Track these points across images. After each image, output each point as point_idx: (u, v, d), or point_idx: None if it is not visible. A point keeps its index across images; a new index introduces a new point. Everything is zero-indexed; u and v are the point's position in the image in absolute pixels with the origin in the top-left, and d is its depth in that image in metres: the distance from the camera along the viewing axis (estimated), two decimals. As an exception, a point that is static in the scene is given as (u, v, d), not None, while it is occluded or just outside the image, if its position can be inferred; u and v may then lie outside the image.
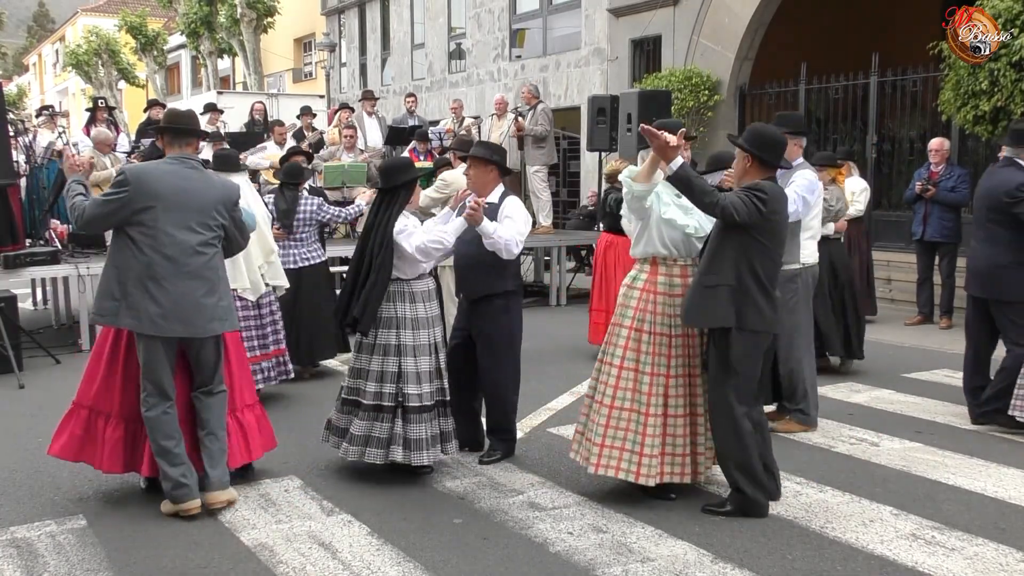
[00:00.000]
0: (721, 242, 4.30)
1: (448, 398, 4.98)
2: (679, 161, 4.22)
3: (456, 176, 7.54)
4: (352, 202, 10.59)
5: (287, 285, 6.66)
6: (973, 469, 5.07)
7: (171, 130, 4.45)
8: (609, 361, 4.58)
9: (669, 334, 4.50)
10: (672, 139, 4.22)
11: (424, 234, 4.82)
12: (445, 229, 4.86)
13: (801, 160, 5.51)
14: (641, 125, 4.43)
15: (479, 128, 13.14)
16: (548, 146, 11.80)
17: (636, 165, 4.74)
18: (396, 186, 4.87)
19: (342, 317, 4.93)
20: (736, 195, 4.24)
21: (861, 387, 6.95)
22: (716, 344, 4.38)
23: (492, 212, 4.95)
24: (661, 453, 4.47)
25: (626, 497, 4.65)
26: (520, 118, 11.58)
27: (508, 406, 5.25)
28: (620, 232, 8.17)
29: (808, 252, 5.51)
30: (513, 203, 5.05)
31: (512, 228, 4.91)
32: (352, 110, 13.22)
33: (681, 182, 4.22)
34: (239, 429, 4.71)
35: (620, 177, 4.72)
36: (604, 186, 8.77)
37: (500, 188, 5.10)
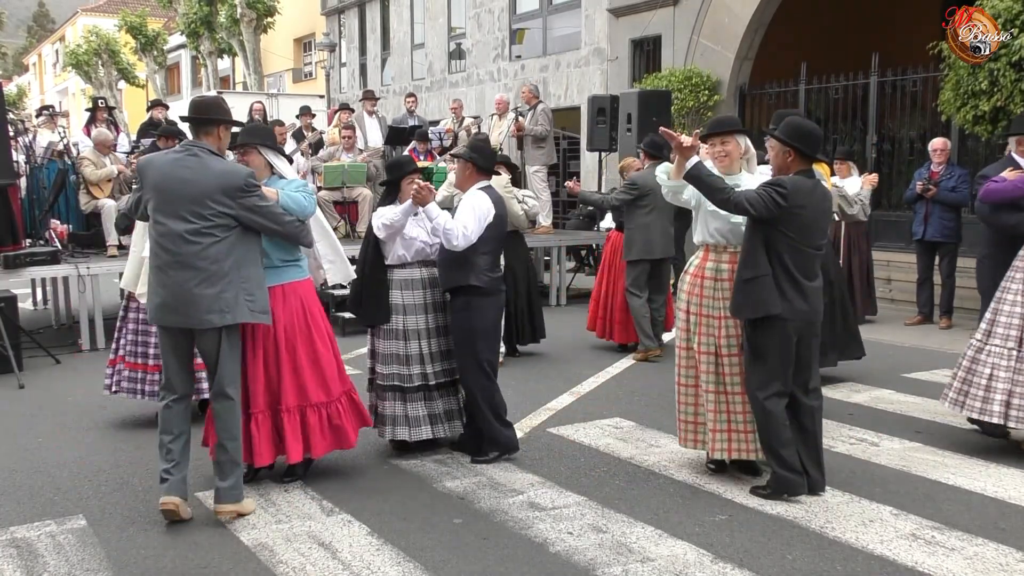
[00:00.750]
0: (751, 237, 4.50)
1: (450, 379, 5.30)
2: (694, 160, 4.50)
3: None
4: (354, 202, 10.64)
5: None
6: (973, 469, 5.07)
7: (191, 120, 4.44)
8: (677, 344, 4.96)
9: (718, 316, 4.73)
10: (687, 140, 4.50)
11: (386, 213, 5.07)
12: (396, 209, 5.02)
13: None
14: (661, 128, 4.83)
15: (479, 128, 13.13)
16: (548, 146, 11.80)
17: (635, 159, 4.95)
18: (390, 181, 5.28)
19: (355, 310, 5.33)
20: (754, 190, 4.42)
21: (861, 387, 6.95)
22: (746, 333, 4.63)
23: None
24: (727, 430, 4.78)
25: (626, 497, 4.65)
26: (520, 118, 11.59)
27: (476, 405, 5.19)
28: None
29: None
30: (475, 198, 5.09)
31: (459, 220, 4.96)
32: (352, 111, 13.22)
33: (695, 180, 4.51)
34: (291, 428, 4.66)
35: (656, 173, 5.05)
36: (607, 186, 8.83)
37: (481, 184, 5.22)
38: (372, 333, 5.29)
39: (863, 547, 4.05)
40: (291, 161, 6.38)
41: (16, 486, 4.91)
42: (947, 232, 9.08)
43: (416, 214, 5.01)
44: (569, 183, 8.55)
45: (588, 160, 15.17)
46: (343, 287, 9.59)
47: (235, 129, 4.67)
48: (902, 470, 5.06)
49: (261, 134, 4.82)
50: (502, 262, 5.69)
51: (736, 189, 4.48)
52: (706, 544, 4.08)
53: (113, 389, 6.01)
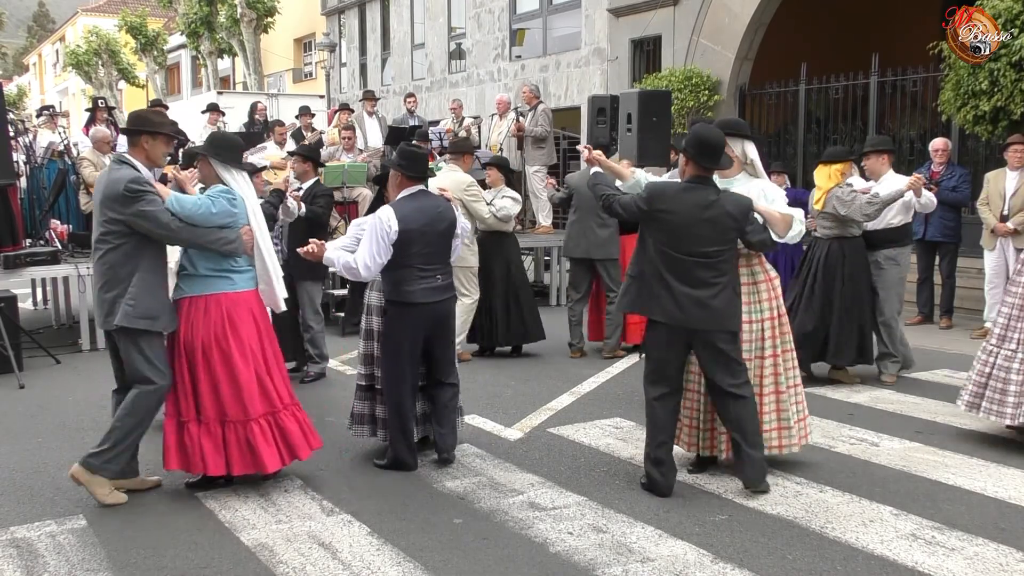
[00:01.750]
0: (639, 238, 4.72)
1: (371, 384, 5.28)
2: (595, 169, 5.10)
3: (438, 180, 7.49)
4: (354, 202, 10.63)
5: None
6: (973, 469, 5.07)
7: (124, 132, 4.75)
8: None
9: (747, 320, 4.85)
10: (586, 155, 5.14)
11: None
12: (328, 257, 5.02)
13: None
14: (581, 145, 5.30)
15: (479, 128, 13.13)
16: (548, 146, 11.79)
17: (634, 163, 5.06)
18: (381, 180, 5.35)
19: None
20: (627, 195, 4.77)
21: (861, 387, 6.95)
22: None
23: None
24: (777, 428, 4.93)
25: (626, 497, 4.66)
26: (520, 118, 11.58)
27: (390, 418, 5.09)
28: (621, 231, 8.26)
29: None
30: (373, 219, 4.91)
31: (359, 250, 4.89)
32: (351, 111, 13.22)
33: (591, 187, 5.02)
34: (211, 440, 4.59)
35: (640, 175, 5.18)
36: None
37: (405, 193, 5.05)
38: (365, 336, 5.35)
39: (863, 547, 4.05)
40: (255, 173, 6.18)
41: (16, 486, 4.91)
42: (947, 232, 9.08)
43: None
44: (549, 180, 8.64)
45: (588, 160, 15.17)
46: (344, 286, 9.62)
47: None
48: (902, 470, 5.06)
49: (218, 146, 4.75)
50: (452, 268, 5.41)
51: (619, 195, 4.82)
52: (706, 544, 4.08)
53: None
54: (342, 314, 9.49)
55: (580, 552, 4.01)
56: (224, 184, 4.68)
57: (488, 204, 7.79)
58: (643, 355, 4.92)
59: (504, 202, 7.90)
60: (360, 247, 4.90)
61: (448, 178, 7.37)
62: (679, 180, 4.75)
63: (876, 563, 3.90)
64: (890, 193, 6.59)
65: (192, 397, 4.60)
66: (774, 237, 4.79)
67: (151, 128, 4.57)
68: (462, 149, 7.90)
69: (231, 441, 4.60)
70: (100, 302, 4.49)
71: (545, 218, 11.67)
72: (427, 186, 5.21)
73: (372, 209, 5.33)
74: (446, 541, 4.15)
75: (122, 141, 11.84)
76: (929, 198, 7.00)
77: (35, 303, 11.45)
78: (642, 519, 4.37)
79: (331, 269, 5.10)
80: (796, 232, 4.83)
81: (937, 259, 9.28)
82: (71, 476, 4.58)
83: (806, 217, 7.19)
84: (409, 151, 5.20)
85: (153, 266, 4.52)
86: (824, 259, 6.82)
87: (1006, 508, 4.51)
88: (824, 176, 6.74)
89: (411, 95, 14.24)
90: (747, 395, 4.63)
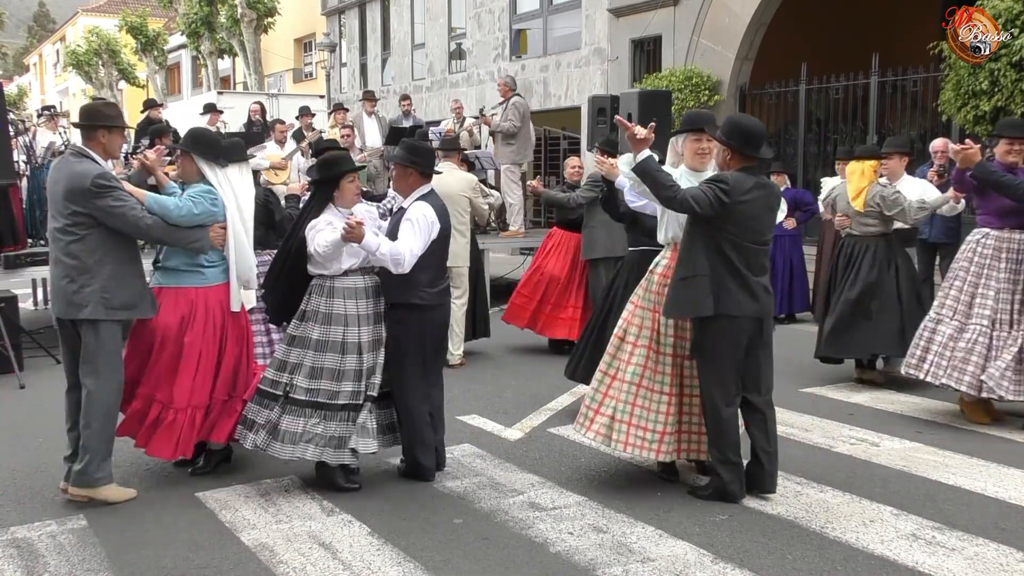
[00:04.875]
0: (690, 235, 4.49)
1: (364, 401, 4.73)
2: (645, 154, 4.41)
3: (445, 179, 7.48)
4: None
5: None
6: (973, 469, 5.07)
7: (77, 127, 4.65)
8: (631, 341, 4.75)
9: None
10: (641, 131, 4.40)
11: (323, 236, 4.61)
12: (328, 239, 4.57)
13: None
14: (616, 117, 4.73)
15: (479, 128, 13.12)
16: (519, 143, 11.05)
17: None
18: (321, 180, 4.82)
19: (266, 307, 5.08)
20: (697, 187, 4.42)
21: (861, 387, 6.95)
22: (695, 335, 4.60)
23: (400, 218, 4.80)
24: (678, 432, 4.72)
25: (626, 497, 4.66)
26: (483, 115, 11.27)
27: (404, 425, 4.88)
28: (563, 225, 8.21)
29: None
30: (415, 212, 4.72)
31: (404, 241, 4.62)
32: (346, 111, 13.22)
33: (643, 173, 4.43)
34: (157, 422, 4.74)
35: (619, 163, 4.93)
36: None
37: (421, 191, 4.86)
38: (297, 344, 4.74)
39: (863, 547, 4.05)
40: (256, 175, 6.10)
41: (17, 486, 4.91)
42: (949, 232, 9.07)
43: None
44: (532, 183, 8.50)
45: (588, 160, 15.14)
46: None
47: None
48: (902, 470, 5.06)
49: (199, 141, 4.79)
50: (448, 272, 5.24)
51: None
52: (706, 544, 4.08)
53: None
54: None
55: (580, 552, 4.01)
56: (206, 181, 4.72)
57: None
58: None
59: (492, 193, 7.92)
60: (405, 239, 4.61)
61: (455, 177, 7.32)
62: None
63: (876, 563, 3.90)
64: (936, 200, 6.80)
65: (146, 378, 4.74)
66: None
67: (107, 122, 4.59)
68: (454, 146, 7.88)
69: (165, 422, 4.72)
70: (61, 291, 4.45)
71: (513, 222, 11.16)
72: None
73: (308, 199, 4.98)
74: (446, 541, 4.15)
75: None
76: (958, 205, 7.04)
77: (35, 303, 11.44)
78: (642, 519, 4.37)
79: (352, 258, 4.72)
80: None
81: (938, 259, 9.28)
82: (72, 499, 4.57)
83: (833, 215, 7.32)
84: (419, 147, 5.03)
85: (124, 256, 4.55)
86: (873, 257, 6.82)
87: (1006, 508, 4.51)
88: (858, 173, 6.80)
89: (406, 97, 14.09)
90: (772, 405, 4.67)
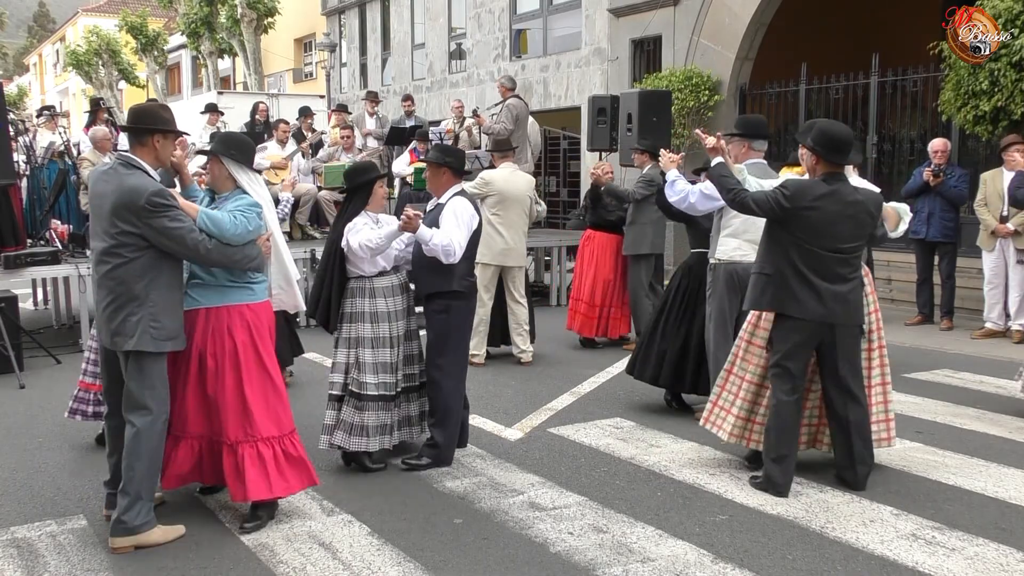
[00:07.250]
0: (766, 233, 4.70)
1: (414, 384, 5.17)
2: (716, 160, 4.84)
3: (495, 176, 7.59)
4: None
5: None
6: (973, 469, 5.07)
7: (126, 130, 4.19)
8: (756, 343, 4.95)
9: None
10: (710, 141, 4.87)
11: (366, 234, 4.88)
12: (380, 233, 4.87)
13: (754, 161, 5.42)
14: (695, 130, 5.23)
15: (479, 127, 13.10)
16: (515, 144, 11.13)
17: (634, 163, 5.10)
18: (353, 188, 5.08)
19: (312, 314, 5.18)
20: (761, 191, 4.66)
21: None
22: (772, 327, 4.79)
23: (439, 213, 5.10)
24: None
25: (626, 497, 4.66)
26: (476, 114, 11.31)
27: (442, 411, 5.12)
28: (600, 227, 8.39)
29: (725, 249, 5.48)
30: (456, 206, 5.04)
31: (445, 233, 4.91)
32: (347, 111, 13.21)
33: (713, 179, 4.86)
34: (231, 465, 4.23)
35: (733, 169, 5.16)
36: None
37: (455, 189, 5.18)
38: (356, 344, 4.97)
39: (863, 547, 4.05)
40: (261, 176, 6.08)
41: (17, 486, 4.91)
42: (947, 232, 9.08)
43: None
44: (595, 171, 8.48)
45: (589, 160, 15.15)
46: None
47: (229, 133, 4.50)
48: (902, 470, 5.06)
49: (231, 144, 4.36)
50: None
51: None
52: (706, 544, 4.08)
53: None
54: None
55: (580, 552, 4.01)
56: (239, 186, 4.30)
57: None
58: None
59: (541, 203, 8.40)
60: (451, 232, 4.91)
61: (520, 177, 7.69)
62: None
63: (876, 563, 3.90)
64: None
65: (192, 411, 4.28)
66: (889, 233, 5.05)
67: (164, 126, 4.07)
68: (507, 147, 7.90)
69: (226, 462, 4.24)
70: (107, 320, 3.97)
71: None
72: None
73: (341, 209, 5.19)
74: (446, 541, 4.15)
75: (122, 141, 11.89)
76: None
77: (35, 303, 11.45)
78: (642, 519, 4.37)
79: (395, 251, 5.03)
80: (903, 228, 5.09)
81: (936, 259, 9.28)
82: (116, 551, 4.02)
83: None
84: (452, 148, 5.47)
85: (174, 282, 4.08)
86: None
87: (1006, 508, 4.51)
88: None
89: (407, 97, 14.09)
90: (864, 400, 4.77)
